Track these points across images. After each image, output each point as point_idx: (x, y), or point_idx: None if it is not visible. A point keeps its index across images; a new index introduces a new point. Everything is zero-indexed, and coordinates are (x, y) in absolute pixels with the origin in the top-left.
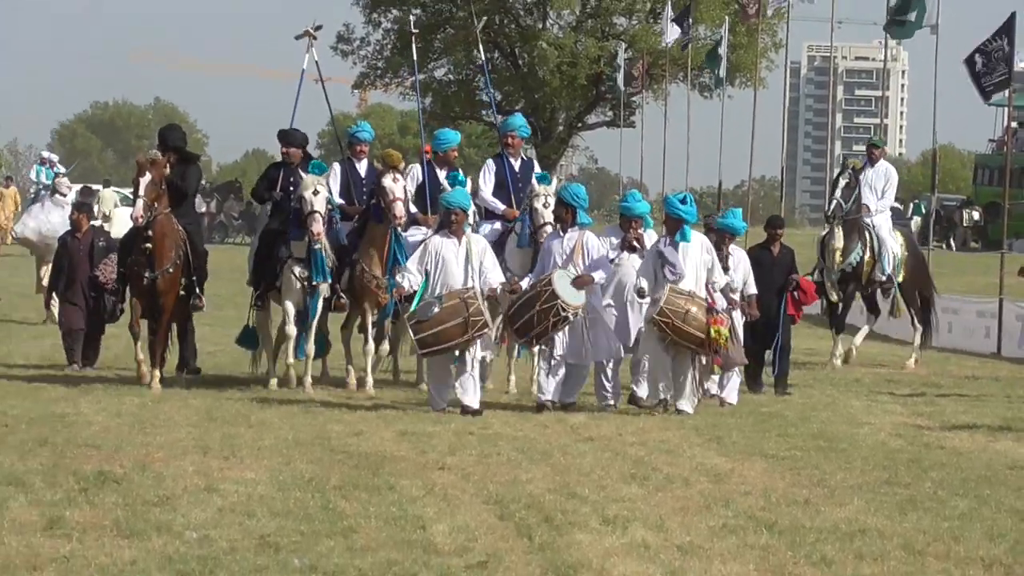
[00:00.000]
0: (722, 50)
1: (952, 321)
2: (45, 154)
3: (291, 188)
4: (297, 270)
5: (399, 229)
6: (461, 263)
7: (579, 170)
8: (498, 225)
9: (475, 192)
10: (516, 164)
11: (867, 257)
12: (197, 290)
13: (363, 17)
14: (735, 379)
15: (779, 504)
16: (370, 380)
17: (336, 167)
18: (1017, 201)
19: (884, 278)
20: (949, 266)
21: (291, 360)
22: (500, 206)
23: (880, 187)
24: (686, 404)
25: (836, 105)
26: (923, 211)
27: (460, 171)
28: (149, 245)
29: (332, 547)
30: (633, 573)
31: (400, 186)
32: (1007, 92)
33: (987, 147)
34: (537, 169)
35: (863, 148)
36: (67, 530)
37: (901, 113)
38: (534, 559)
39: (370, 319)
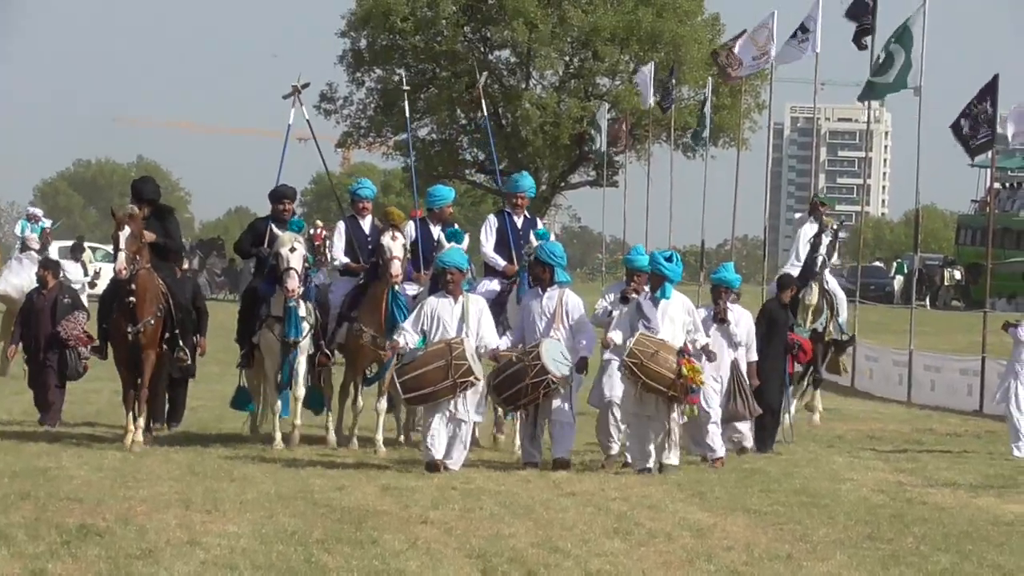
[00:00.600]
0: (706, 110)
1: (935, 379)
2: (31, 210)
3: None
4: (276, 328)
5: (396, 287)
6: (456, 323)
7: (562, 229)
8: (496, 284)
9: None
10: (519, 221)
11: (830, 315)
12: (180, 343)
13: (347, 76)
14: (717, 435)
15: (761, 559)
16: (379, 440)
17: (340, 225)
18: (1000, 261)
19: (846, 337)
20: (931, 325)
21: (298, 421)
22: (501, 262)
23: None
24: (672, 457)
25: (819, 166)
26: (905, 270)
27: (456, 226)
28: (133, 299)
29: None
30: None
31: (399, 244)
32: (990, 153)
33: (969, 207)
34: (539, 226)
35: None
36: None
37: (884, 174)
38: None
39: (359, 378)
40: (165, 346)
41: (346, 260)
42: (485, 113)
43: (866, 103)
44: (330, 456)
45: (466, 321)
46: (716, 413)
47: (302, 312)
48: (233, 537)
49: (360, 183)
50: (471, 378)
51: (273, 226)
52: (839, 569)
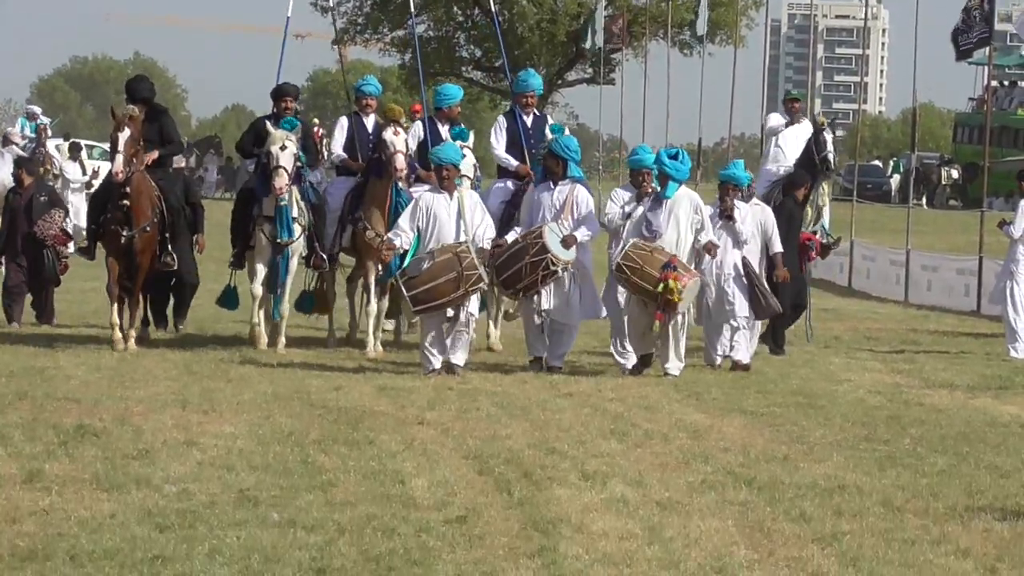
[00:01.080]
0: (700, 9)
1: (932, 279)
2: (29, 107)
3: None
4: (267, 228)
5: (400, 183)
6: (453, 219)
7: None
8: (510, 184)
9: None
10: (528, 120)
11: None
12: (169, 247)
13: None
14: (746, 337)
15: (758, 460)
16: (371, 341)
17: (343, 121)
18: (997, 160)
19: (832, 240)
20: (929, 224)
21: (256, 320)
22: (513, 163)
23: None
24: (672, 367)
25: (816, 63)
26: (902, 169)
27: (463, 125)
28: (127, 202)
29: (311, 501)
30: (612, 528)
31: (401, 139)
32: (987, 50)
33: (967, 106)
34: (551, 121)
35: (844, 106)
36: (46, 483)
37: (881, 72)
38: (513, 514)
39: (373, 277)
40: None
41: (344, 156)
42: (494, 7)
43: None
44: (326, 357)
45: (463, 216)
46: (743, 316)
47: (294, 212)
48: (230, 438)
49: (365, 79)
50: (481, 284)
51: (267, 124)
52: (836, 470)
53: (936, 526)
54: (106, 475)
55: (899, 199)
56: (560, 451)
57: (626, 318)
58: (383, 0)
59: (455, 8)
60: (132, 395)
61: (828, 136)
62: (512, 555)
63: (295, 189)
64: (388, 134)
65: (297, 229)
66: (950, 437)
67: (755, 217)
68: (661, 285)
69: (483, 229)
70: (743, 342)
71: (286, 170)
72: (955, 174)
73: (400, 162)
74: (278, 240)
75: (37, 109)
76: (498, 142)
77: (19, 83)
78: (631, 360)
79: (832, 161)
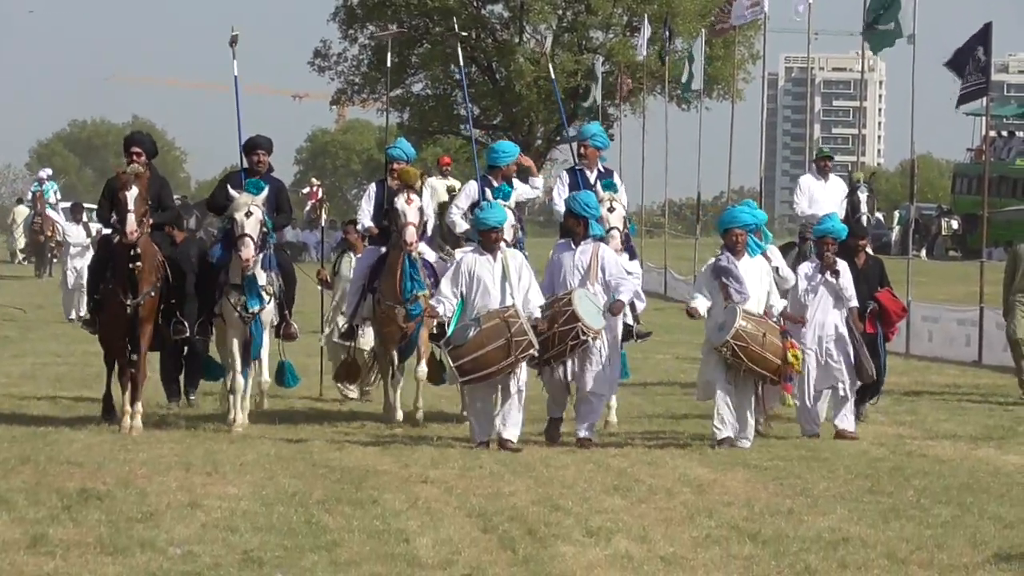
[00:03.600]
0: (696, 65)
1: (932, 329)
2: (41, 173)
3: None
4: (233, 298)
5: (412, 255)
6: (498, 281)
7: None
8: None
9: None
10: (592, 176)
11: None
12: (179, 314)
13: (339, 33)
14: (852, 403)
15: (762, 514)
16: (399, 411)
17: (371, 189)
18: (996, 210)
19: None
20: (929, 275)
21: (235, 396)
22: None
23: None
24: (743, 441)
25: (814, 116)
26: (902, 220)
27: (508, 183)
28: (140, 263)
29: (316, 562)
30: None
31: (414, 208)
32: (984, 101)
33: (965, 156)
34: (616, 180)
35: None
36: (51, 548)
37: (879, 123)
38: (518, 572)
39: (394, 349)
40: (161, 319)
41: (369, 224)
42: (462, 70)
43: (860, 52)
44: (329, 416)
45: (508, 279)
46: (847, 381)
47: (262, 281)
48: (233, 499)
49: (397, 143)
50: (532, 350)
51: (229, 188)
52: (840, 523)
53: None
54: (110, 539)
55: (899, 250)
56: (564, 508)
57: (725, 392)
58: (379, 60)
59: (452, 67)
60: (135, 458)
61: (863, 196)
62: None
63: (260, 256)
64: (400, 202)
65: (265, 297)
66: (954, 488)
67: (847, 271)
68: (789, 354)
69: (532, 293)
70: (849, 408)
71: (252, 239)
72: (955, 224)
73: (410, 235)
74: (248, 310)
75: (43, 173)
76: (559, 197)
77: (18, 148)
78: (727, 432)
79: (864, 225)
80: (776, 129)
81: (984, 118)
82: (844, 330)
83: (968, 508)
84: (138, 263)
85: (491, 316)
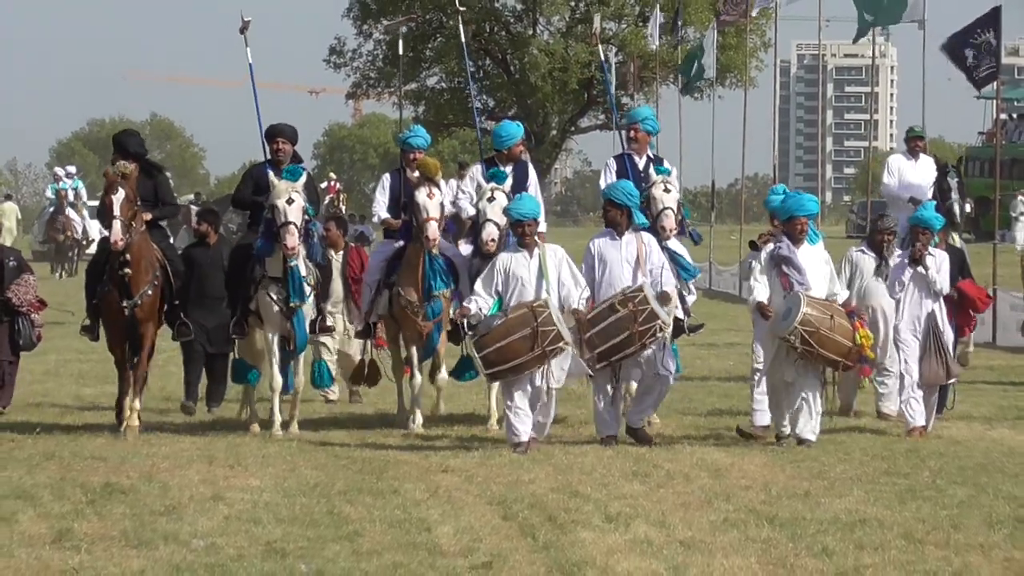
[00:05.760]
0: (708, 53)
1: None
2: (57, 170)
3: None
4: (273, 292)
5: (433, 250)
6: (535, 278)
7: (574, 173)
8: None
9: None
10: (640, 162)
11: None
12: (182, 315)
13: (354, 29)
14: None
15: (779, 497)
16: (418, 414)
17: (385, 179)
18: (1008, 192)
19: None
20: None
21: (273, 395)
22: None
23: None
24: (809, 432)
25: (826, 102)
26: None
27: (498, 168)
28: (128, 271)
29: (338, 552)
30: (637, 569)
31: (436, 203)
32: (995, 84)
33: (977, 140)
34: (666, 165)
35: (855, 144)
36: (76, 542)
37: (891, 108)
38: (538, 558)
39: (414, 349)
40: (165, 321)
41: (385, 216)
42: (468, 64)
43: (870, 38)
44: (349, 408)
45: (545, 276)
46: (915, 374)
47: (303, 271)
48: (256, 491)
49: (413, 131)
50: (560, 344)
51: (270, 173)
52: (857, 505)
53: (957, 557)
54: (134, 532)
55: None
56: (583, 494)
57: (786, 388)
58: (394, 54)
59: (467, 59)
60: (158, 452)
61: (953, 182)
62: None
63: (303, 247)
64: (421, 196)
65: (308, 290)
66: (969, 468)
67: (947, 265)
68: (858, 335)
69: (576, 288)
70: (915, 402)
71: (296, 226)
72: (968, 207)
73: (432, 231)
74: (291, 304)
75: (60, 171)
76: (606, 185)
77: (39, 147)
78: (788, 428)
79: (957, 213)
80: (789, 116)
81: (995, 101)
82: (940, 324)
83: (983, 488)
84: (127, 269)
85: (518, 307)
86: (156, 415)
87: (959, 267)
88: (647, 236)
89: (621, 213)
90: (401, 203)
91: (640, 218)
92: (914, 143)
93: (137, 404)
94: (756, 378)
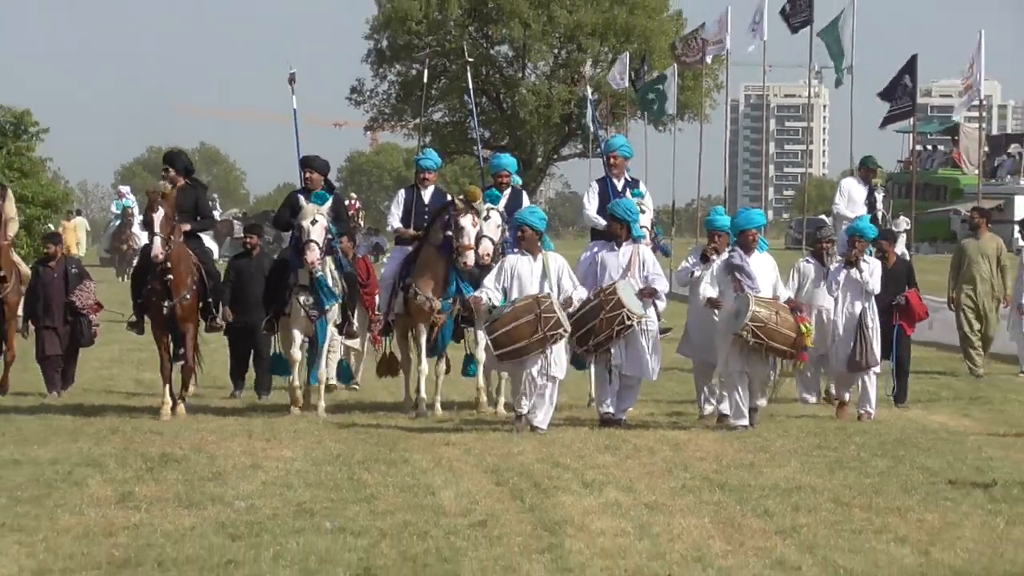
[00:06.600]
0: (670, 92)
1: None
2: (121, 188)
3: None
4: (302, 298)
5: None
6: (537, 278)
7: (556, 194)
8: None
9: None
10: (619, 184)
11: None
12: (214, 311)
13: (371, 72)
14: (872, 387)
15: (728, 467)
16: (427, 401)
17: (400, 194)
18: (922, 212)
19: None
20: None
21: (296, 383)
22: (602, 222)
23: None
24: (762, 400)
25: (769, 135)
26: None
27: (496, 189)
28: (170, 276)
29: (357, 512)
30: (608, 528)
31: (476, 230)
32: (911, 120)
33: (896, 167)
34: (641, 188)
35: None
36: (136, 503)
37: (824, 140)
38: (525, 518)
39: (423, 340)
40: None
41: (398, 226)
42: (472, 100)
43: (806, 81)
44: (368, 395)
45: (548, 278)
46: (844, 362)
47: (329, 282)
48: (289, 461)
49: (425, 154)
50: (560, 330)
51: (300, 198)
52: (794, 474)
53: (878, 518)
54: (186, 494)
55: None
56: (563, 464)
57: (739, 379)
58: (405, 94)
59: (466, 97)
60: (206, 427)
61: (879, 195)
62: (526, 552)
63: (329, 259)
64: (467, 221)
65: (331, 298)
66: (888, 443)
67: (879, 271)
68: (802, 327)
69: (571, 292)
70: (871, 389)
71: (317, 244)
72: (906, 225)
73: (471, 258)
74: (325, 307)
75: (124, 188)
76: (590, 204)
77: (105, 170)
78: (743, 420)
79: (879, 219)
80: (737, 146)
81: (911, 134)
82: (868, 320)
83: (900, 460)
84: (168, 276)
85: (525, 297)
86: (202, 400)
87: (907, 277)
88: (643, 247)
89: (622, 227)
90: (414, 214)
91: (637, 231)
92: (866, 171)
93: (186, 393)
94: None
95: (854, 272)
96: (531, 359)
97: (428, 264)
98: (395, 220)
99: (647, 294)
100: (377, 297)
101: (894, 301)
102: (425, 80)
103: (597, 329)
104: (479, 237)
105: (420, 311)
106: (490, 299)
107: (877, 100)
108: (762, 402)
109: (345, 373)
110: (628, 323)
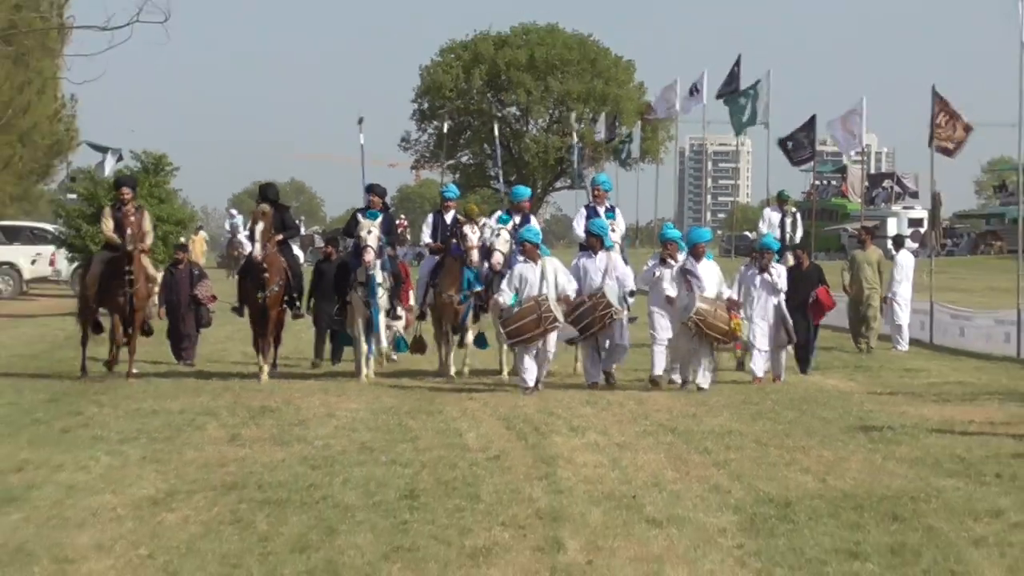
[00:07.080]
0: (635, 142)
1: None
2: (231, 211)
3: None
4: (360, 290)
5: (474, 265)
6: (538, 279)
7: (551, 215)
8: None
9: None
10: (601, 209)
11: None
12: (297, 303)
13: (416, 126)
14: (783, 360)
15: (678, 417)
16: (452, 368)
17: (430, 217)
18: (820, 229)
19: None
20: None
21: (360, 353)
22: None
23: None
24: (704, 382)
25: (707, 173)
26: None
27: (507, 213)
28: (266, 274)
29: (404, 448)
30: (589, 461)
31: (476, 235)
32: (812, 164)
33: (801, 196)
34: (616, 213)
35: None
36: (242, 442)
37: (748, 177)
38: (528, 453)
39: (449, 326)
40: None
41: (429, 241)
42: (498, 146)
43: (734, 134)
44: (413, 364)
45: (546, 279)
46: (762, 345)
47: (379, 279)
48: (354, 411)
49: (448, 187)
50: (556, 323)
51: (359, 215)
52: (726, 422)
53: (788, 455)
54: (279, 436)
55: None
56: (556, 414)
57: (687, 351)
58: (440, 141)
59: (485, 144)
60: (293, 387)
61: (788, 220)
62: (528, 478)
63: (379, 262)
64: (468, 229)
65: (380, 291)
66: (795, 399)
67: (784, 274)
68: (734, 323)
69: (568, 284)
70: (780, 362)
71: (372, 248)
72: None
73: (475, 256)
74: (370, 298)
75: (234, 211)
76: (579, 226)
77: (220, 196)
78: (696, 379)
79: (786, 238)
80: (684, 182)
81: (812, 172)
82: (780, 312)
83: (804, 412)
84: (265, 273)
85: (529, 300)
86: (293, 367)
87: (818, 278)
88: (614, 255)
89: (598, 240)
90: (439, 231)
91: (609, 242)
92: (781, 203)
93: (270, 360)
94: (655, 341)
95: (766, 276)
96: (533, 344)
97: (450, 269)
98: (426, 236)
99: (631, 295)
100: (411, 292)
101: (809, 299)
102: (444, 131)
103: (593, 324)
104: (490, 249)
105: (445, 305)
106: (505, 300)
107: (778, 144)
108: (703, 383)
109: (400, 344)
110: (616, 317)
